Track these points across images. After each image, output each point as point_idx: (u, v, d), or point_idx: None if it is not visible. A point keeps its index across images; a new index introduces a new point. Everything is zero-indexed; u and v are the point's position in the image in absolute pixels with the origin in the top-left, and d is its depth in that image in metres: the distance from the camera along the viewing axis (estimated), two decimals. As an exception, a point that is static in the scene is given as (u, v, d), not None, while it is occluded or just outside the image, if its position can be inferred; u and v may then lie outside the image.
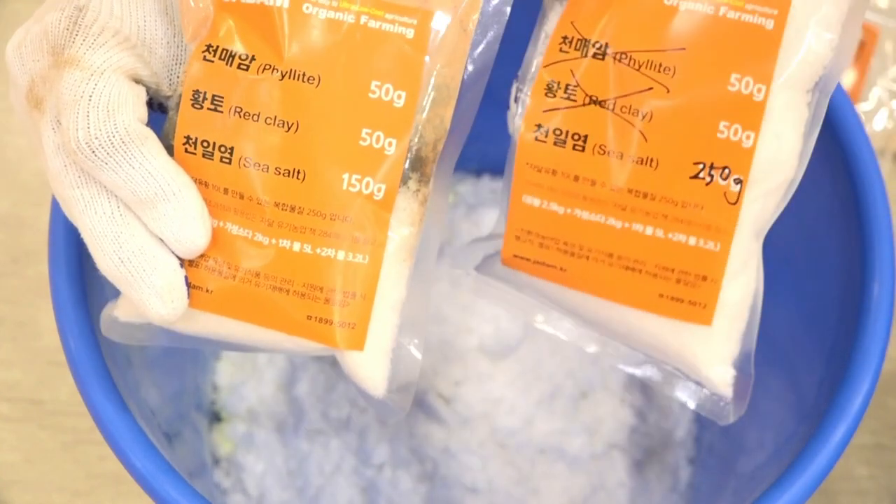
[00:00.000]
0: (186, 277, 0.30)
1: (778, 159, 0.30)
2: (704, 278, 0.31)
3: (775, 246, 0.45)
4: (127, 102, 0.29)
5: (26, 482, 0.52)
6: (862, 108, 0.61)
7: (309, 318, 0.30)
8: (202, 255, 0.30)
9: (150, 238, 0.29)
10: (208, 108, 0.30)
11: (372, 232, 0.30)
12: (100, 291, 0.36)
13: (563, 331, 0.34)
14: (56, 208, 0.36)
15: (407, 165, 0.30)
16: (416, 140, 0.30)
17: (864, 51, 0.62)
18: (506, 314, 0.50)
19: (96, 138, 0.28)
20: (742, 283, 0.31)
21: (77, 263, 0.35)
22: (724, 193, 0.30)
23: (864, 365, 0.35)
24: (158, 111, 0.32)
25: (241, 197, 0.30)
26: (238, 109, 0.30)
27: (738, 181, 0.30)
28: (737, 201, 0.30)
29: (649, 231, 0.31)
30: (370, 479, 0.50)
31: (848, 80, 0.61)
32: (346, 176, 0.30)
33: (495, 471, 0.50)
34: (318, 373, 0.52)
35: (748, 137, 0.30)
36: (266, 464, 0.51)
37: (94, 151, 0.28)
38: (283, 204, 0.30)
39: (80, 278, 0.35)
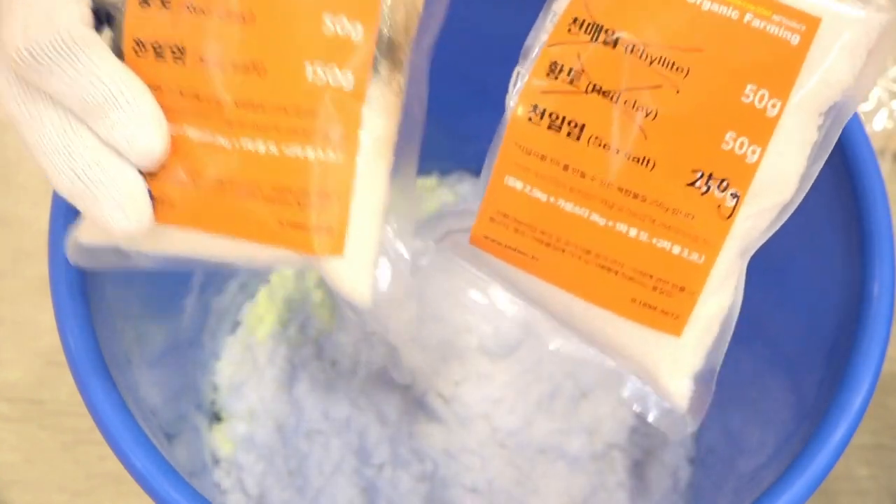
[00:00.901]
0: (149, 189, 0.28)
1: (779, 179, 0.29)
2: (682, 289, 0.30)
3: (775, 246, 0.45)
4: (67, 4, 0.27)
5: (26, 482, 0.52)
6: (862, 108, 0.61)
7: (281, 223, 0.28)
8: (162, 166, 0.29)
9: (105, 149, 0.28)
10: (156, 7, 0.28)
11: (343, 126, 0.28)
12: (100, 291, 0.36)
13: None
14: (56, 208, 0.36)
15: (377, 52, 0.28)
16: (386, 23, 0.28)
17: (864, 51, 0.62)
18: (506, 314, 0.50)
19: (37, 44, 0.26)
20: (719, 299, 0.30)
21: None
22: (719, 206, 0.29)
23: (864, 365, 0.35)
24: (108, 27, 0.30)
25: (199, 98, 0.28)
26: (189, 5, 0.28)
27: (735, 196, 0.29)
28: (730, 216, 0.29)
29: (633, 233, 0.29)
30: (370, 479, 0.50)
31: (848, 80, 0.61)
32: (309, 66, 0.28)
33: (495, 471, 0.50)
34: (319, 373, 0.52)
35: (754, 152, 0.29)
36: (266, 464, 0.51)
37: (35, 58, 0.26)
38: (244, 101, 0.28)
39: (80, 278, 0.35)
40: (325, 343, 0.53)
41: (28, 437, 0.53)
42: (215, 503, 0.36)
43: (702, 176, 0.29)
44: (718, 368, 0.31)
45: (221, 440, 0.52)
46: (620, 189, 0.29)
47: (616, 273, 0.30)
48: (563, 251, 0.30)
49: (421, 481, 0.50)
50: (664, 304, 0.30)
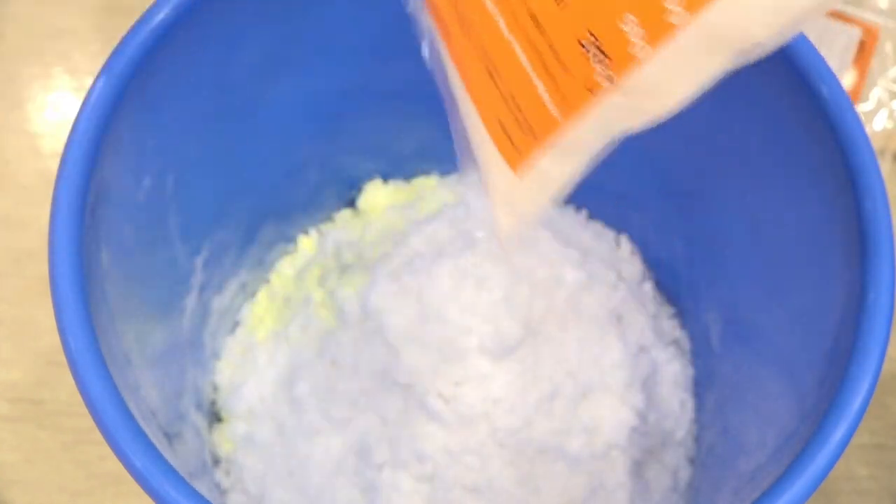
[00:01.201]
0: None
1: (659, 90, 0.27)
2: (533, 132, 0.30)
3: (775, 245, 0.45)
4: None
5: (26, 482, 0.52)
6: (862, 108, 0.61)
7: None
8: None
9: None
10: None
11: None
12: (100, 291, 0.36)
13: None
14: (56, 208, 0.36)
15: None
16: None
17: (864, 51, 0.62)
18: (506, 314, 0.50)
19: None
20: (565, 164, 0.30)
21: (77, 263, 0.35)
22: (591, 77, 0.28)
23: (864, 365, 0.35)
24: None
25: None
26: None
27: (610, 78, 0.27)
28: (596, 92, 0.28)
29: (522, 58, 0.29)
30: (370, 479, 0.50)
31: (848, 80, 0.61)
32: None
33: (495, 471, 0.50)
34: (319, 373, 0.52)
35: (642, 49, 0.26)
36: (266, 464, 0.51)
37: None
38: None
39: (80, 278, 0.35)
40: (325, 343, 0.53)
41: (28, 437, 0.53)
42: (215, 503, 0.36)
43: (594, 41, 0.27)
44: (536, 224, 0.33)
45: (221, 440, 0.52)
46: (530, 13, 0.29)
47: (496, 84, 0.31)
48: (469, 39, 0.31)
49: (421, 482, 0.50)
50: (517, 139, 0.31)
